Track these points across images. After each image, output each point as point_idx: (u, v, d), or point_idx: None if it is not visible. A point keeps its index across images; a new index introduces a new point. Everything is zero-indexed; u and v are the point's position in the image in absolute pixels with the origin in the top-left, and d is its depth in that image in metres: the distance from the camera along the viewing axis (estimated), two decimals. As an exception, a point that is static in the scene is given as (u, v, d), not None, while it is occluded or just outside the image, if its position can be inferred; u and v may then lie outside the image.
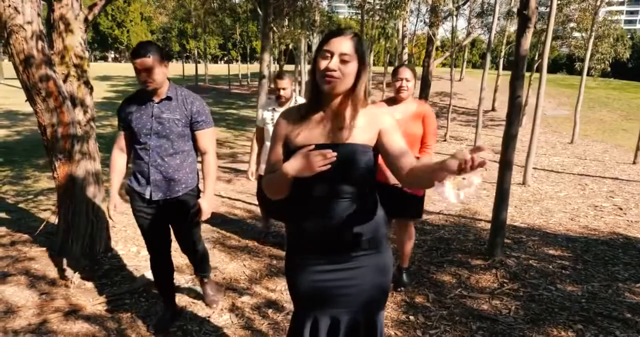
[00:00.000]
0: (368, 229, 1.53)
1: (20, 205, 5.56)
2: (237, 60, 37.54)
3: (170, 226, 2.57)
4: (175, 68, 38.19)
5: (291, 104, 3.78)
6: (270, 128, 3.78)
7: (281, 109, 3.76)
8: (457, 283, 3.34)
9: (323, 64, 1.41)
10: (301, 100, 3.86)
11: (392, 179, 2.94)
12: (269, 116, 3.79)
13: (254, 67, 35.15)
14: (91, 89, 3.49)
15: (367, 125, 1.51)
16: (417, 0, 9.54)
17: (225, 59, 50.63)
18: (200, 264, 2.82)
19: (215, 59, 58.12)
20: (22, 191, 6.33)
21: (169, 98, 2.37)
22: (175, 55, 54.32)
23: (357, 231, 1.51)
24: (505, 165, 3.52)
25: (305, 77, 17.57)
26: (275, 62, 15.91)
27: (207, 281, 2.95)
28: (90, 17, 3.37)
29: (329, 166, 1.35)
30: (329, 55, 1.41)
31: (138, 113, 2.37)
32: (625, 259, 3.87)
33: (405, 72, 2.95)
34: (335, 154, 1.34)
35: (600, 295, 3.15)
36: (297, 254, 1.61)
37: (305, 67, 18.06)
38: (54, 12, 3.25)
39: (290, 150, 1.51)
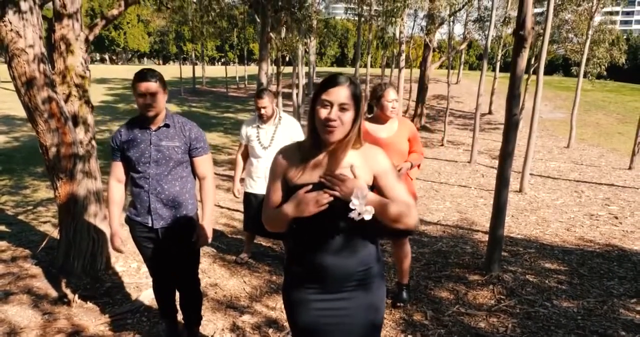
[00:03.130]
0: (358, 264, 1.59)
1: (20, 217, 5.57)
2: (234, 62, 37.57)
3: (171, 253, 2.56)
4: (173, 70, 38.10)
5: (275, 120, 3.79)
6: (255, 145, 3.78)
7: (265, 126, 3.76)
8: (455, 299, 3.38)
9: (323, 113, 1.47)
10: (286, 117, 3.85)
11: None
12: (254, 133, 3.79)
13: (251, 68, 35.16)
14: (92, 107, 3.51)
15: (362, 165, 1.56)
16: (413, 7, 9.60)
17: (222, 60, 50.66)
18: (193, 304, 2.70)
19: (212, 61, 58.12)
20: (22, 202, 6.35)
21: (166, 125, 2.38)
22: (172, 57, 54.27)
23: (347, 265, 1.57)
24: (502, 181, 3.56)
25: (302, 80, 17.58)
26: (273, 64, 15.93)
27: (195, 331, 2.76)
28: (90, 37, 3.40)
29: (326, 206, 1.44)
30: (328, 104, 1.46)
31: (135, 142, 2.36)
32: (620, 273, 3.92)
33: (394, 93, 3.09)
34: (329, 196, 1.43)
35: (595, 311, 3.20)
36: (294, 283, 1.67)
37: (303, 70, 18.08)
38: (55, 32, 3.28)
39: (289, 188, 1.58)
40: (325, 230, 1.57)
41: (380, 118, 3.11)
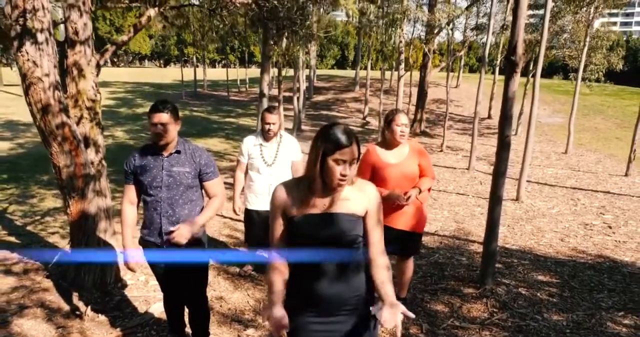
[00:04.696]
0: (351, 292, 1.76)
1: (29, 227, 5.72)
2: (235, 65, 37.81)
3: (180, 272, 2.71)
4: (174, 73, 38.28)
5: (277, 138, 3.93)
6: (258, 162, 3.90)
7: (267, 144, 3.89)
8: (450, 312, 3.53)
9: (339, 170, 1.66)
10: (286, 135, 3.99)
11: (399, 224, 3.15)
12: (257, 151, 3.91)
13: (252, 71, 35.31)
14: (102, 129, 3.67)
15: (357, 198, 1.76)
16: (412, 19, 9.75)
17: (223, 63, 50.89)
18: (201, 320, 2.86)
19: (213, 63, 58.33)
20: (29, 211, 6.50)
21: (178, 152, 2.56)
22: (173, 59, 54.47)
23: (341, 293, 1.75)
24: (495, 199, 3.72)
25: (303, 85, 17.73)
26: (274, 67, 15.97)
27: None
28: (101, 63, 3.56)
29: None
30: (342, 162, 1.66)
31: (147, 167, 2.54)
32: (609, 285, 4.07)
33: (404, 119, 3.16)
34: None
35: (584, 325, 3.35)
36: (294, 308, 1.82)
37: (304, 74, 18.23)
38: (68, 58, 3.44)
39: (287, 219, 1.77)
40: (320, 263, 1.74)
41: (390, 142, 3.20)
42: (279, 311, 1.64)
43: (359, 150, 1.69)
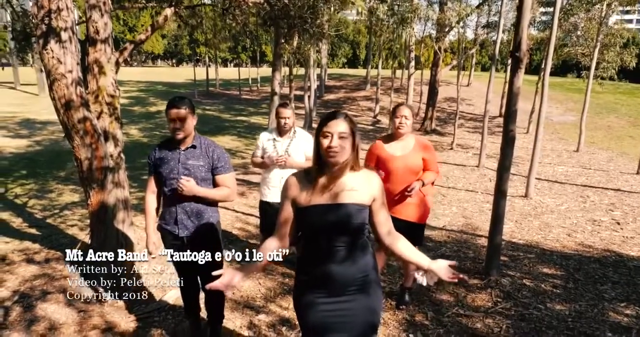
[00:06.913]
0: (358, 271, 1.89)
1: (48, 220, 5.94)
2: (246, 64, 38.07)
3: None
4: (187, 73, 38.66)
5: (290, 133, 4.04)
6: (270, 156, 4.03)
7: (281, 139, 3.99)
8: (455, 302, 3.64)
9: (325, 142, 1.78)
10: (300, 131, 4.10)
11: (402, 215, 3.26)
12: (270, 145, 4.01)
13: (264, 70, 35.54)
14: (121, 124, 3.84)
15: (362, 187, 1.87)
16: (423, 18, 9.82)
17: (235, 62, 51.23)
18: (217, 305, 3.01)
19: (224, 62, 58.71)
20: (48, 205, 6.73)
21: (194, 146, 2.70)
22: (185, 59, 54.97)
23: (349, 272, 1.88)
24: (500, 194, 3.81)
25: (314, 84, 17.86)
26: (286, 65, 16.05)
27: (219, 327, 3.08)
28: (120, 60, 3.73)
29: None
30: (329, 135, 1.78)
31: (165, 159, 2.70)
32: (614, 278, 4.13)
33: (405, 110, 3.25)
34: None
35: (586, 314, 3.43)
36: (304, 289, 1.97)
37: (315, 72, 18.36)
38: (89, 56, 3.61)
39: (297, 209, 1.89)
40: (330, 245, 1.86)
41: (394, 135, 3.29)
42: (237, 274, 1.85)
43: (350, 127, 1.79)
